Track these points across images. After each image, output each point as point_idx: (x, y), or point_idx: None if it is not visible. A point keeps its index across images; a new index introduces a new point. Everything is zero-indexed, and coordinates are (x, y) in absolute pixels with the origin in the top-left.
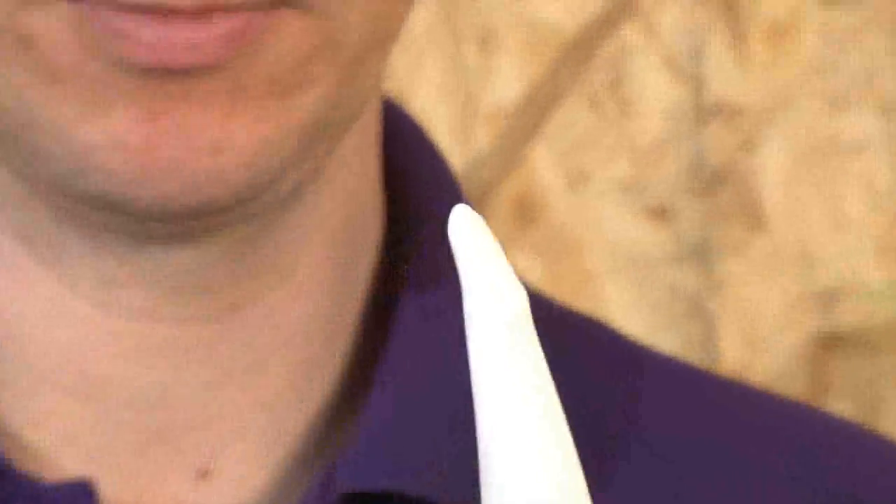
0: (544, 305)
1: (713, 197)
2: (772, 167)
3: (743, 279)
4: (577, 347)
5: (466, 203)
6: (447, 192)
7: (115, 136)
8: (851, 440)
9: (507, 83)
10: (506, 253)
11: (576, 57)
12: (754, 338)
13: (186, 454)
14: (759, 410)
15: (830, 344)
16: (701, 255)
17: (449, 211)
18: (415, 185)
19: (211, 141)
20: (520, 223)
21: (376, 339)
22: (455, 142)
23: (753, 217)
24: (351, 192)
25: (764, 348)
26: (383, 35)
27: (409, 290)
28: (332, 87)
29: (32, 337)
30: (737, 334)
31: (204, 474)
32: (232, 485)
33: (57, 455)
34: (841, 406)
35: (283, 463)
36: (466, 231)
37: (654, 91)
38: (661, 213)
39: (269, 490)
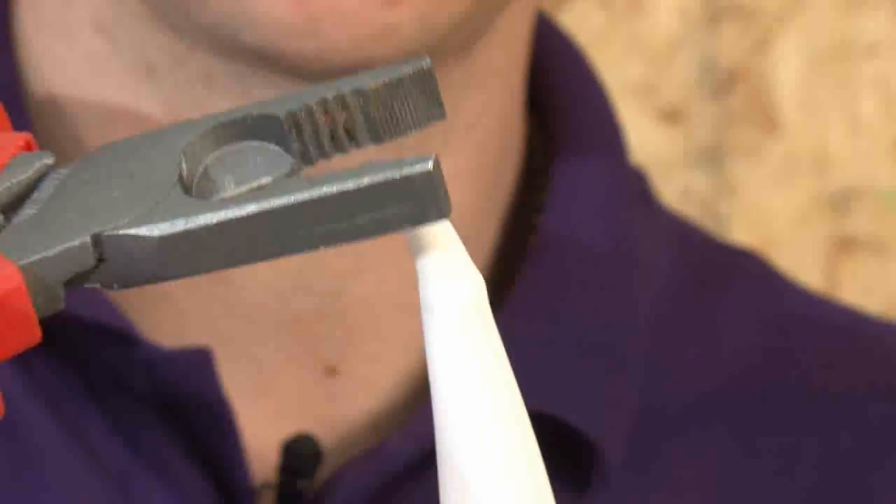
0: (696, 238)
1: (726, 99)
2: (786, 69)
3: (756, 182)
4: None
5: (611, 109)
6: (600, 113)
7: None
8: None
9: None
10: None
11: None
12: (767, 241)
13: (315, 348)
14: None
15: (844, 246)
16: (714, 157)
17: (599, 123)
18: (562, 96)
19: None
20: None
21: (518, 246)
22: None
23: (767, 119)
24: (501, 91)
25: (777, 251)
26: None
27: (556, 196)
28: None
29: None
30: (750, 237)
31: (331, 371)
32: (358, 386)
33: (184, 335)
34: None
35: (415, 370)
36: None
37: None
38: (673, 116)
39: (396, 397)
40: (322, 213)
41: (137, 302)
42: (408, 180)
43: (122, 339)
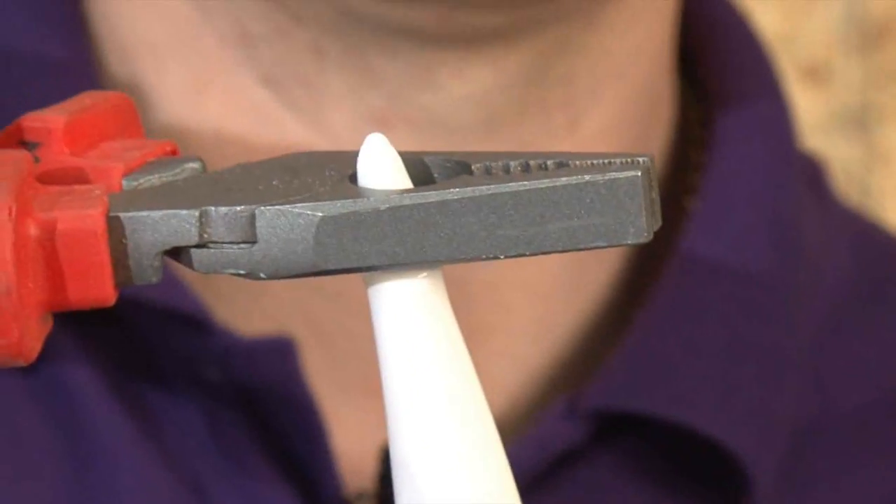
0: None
1: (876, 54)
2: None
3: None
4: None
5: (777, 77)
6: (752, 62)
7: None
8: None
9: None
10: None
11: None
12: None
13: None
14: None
15: None
16: (861, 122)
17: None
18: (715, 60)
19: None
20: None
21: (666, 225)
22: None
23: None
24: (654, 32)
25: None
26: None
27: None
28: None
29: None
30: None
31: None
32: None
33: (271, 324)
34: None
35: (543, 366)
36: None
37: None
38: (813, 73)
39: (520, 397)
40: (506, 213)
41: (218, 286)
42: (611, 186)
43: (195, 325)
